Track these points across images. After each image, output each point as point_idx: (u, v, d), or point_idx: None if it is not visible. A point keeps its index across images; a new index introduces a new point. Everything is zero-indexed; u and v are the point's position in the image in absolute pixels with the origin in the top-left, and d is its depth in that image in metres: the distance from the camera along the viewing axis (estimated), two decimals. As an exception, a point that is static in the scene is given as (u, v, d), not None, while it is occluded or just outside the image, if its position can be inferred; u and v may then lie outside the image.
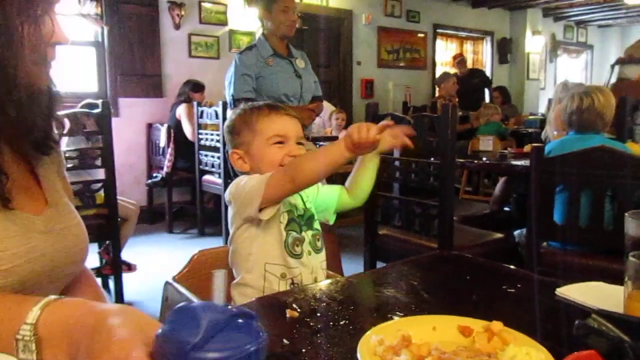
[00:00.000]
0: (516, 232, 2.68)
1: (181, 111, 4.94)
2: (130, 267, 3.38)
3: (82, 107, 2.98)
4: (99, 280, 1.17)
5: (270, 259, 1.28)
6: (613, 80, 4.40)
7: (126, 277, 3.18)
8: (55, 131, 0.95)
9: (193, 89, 5.11)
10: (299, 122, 1.38)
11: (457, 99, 6.58)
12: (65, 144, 2.90)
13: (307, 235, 1.32)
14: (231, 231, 1.32)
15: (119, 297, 3.00)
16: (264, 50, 2.95)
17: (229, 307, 0.54)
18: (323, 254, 1.37)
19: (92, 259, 3.28)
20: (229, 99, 2.99)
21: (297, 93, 2.98)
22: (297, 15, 3.02)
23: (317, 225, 1.37)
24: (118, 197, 3.01)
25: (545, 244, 2.35)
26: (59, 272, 0.89)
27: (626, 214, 0.86)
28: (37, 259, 0.84)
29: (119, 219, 3.08)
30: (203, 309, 0.52)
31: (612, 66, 4.46)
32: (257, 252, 1.28)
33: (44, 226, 0.87)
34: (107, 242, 3.24)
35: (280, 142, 1.31)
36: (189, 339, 0.50)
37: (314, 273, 1.31)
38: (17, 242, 0.81)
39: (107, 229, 2.93)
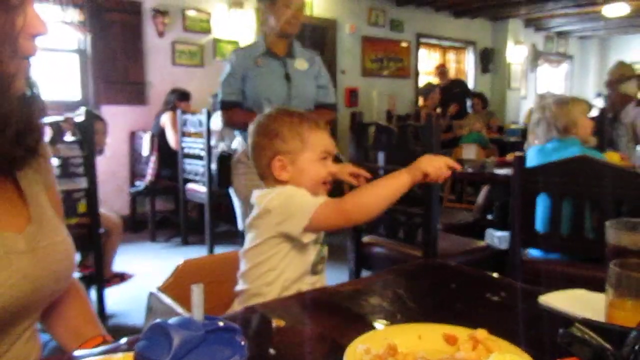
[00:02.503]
0: (497, 235, 2.71)
1: (165, 119, 4.92)
2: (123, 277, 3.35)
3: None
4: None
5: (290, 274, 1.25)
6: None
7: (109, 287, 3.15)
8: (44, 137, 0.90)
9: (179, 98, 5.09)
10: None
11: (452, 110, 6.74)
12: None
13: (324, 251, 1.32)
14: (252, 240, 1.27)
15: (101, 308, 2.96)
16: (256, 49, 2.68)
17: (209, 321, 0.54)
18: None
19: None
20: (218, 101, 2.84)
21: (283, 98, 2.62)
22: (301, 14, 2.69)
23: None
24: (100, 208, 2.98)
25: (527, 252, 2.38)
26: (42, 292, 0.85)
27: (607, 223, 0.87)
28: (19, 282, 0.80)
29: (101, 230, 3.05)
30: (177, 326, 0.52)
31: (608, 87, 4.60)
32: (282, 268, 1.25)
33: (26, 245, 0.82)
34: (86, 257, 3.22)
35: (324, 158, 1.30)
36: (160, 358, 0.50)
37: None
38: None
39: (89, 238, 2.89)
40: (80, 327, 1.01)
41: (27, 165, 0.86)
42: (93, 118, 2.90)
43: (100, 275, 2.98)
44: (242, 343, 0.53)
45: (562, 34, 11.11)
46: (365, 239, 2.69)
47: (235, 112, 2.66)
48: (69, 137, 2.84)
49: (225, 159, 3.11)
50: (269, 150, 1.30)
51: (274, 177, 1.30)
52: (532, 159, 2.47)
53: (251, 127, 1.36)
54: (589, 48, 11.94)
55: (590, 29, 10.57)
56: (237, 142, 2.77)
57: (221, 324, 0.53)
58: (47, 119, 2.73)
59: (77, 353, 0.86)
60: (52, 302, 0.94)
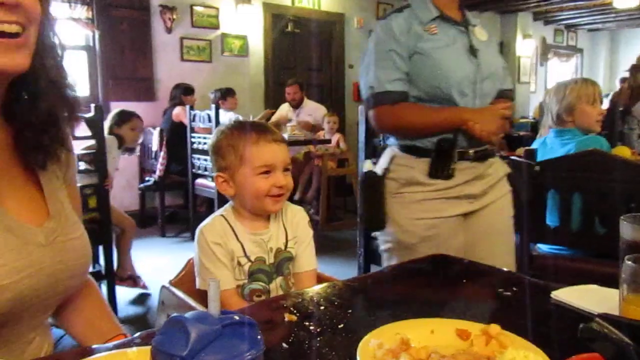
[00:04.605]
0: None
1: (179, 112, 4.94)
2: (136, 282, 3.35)
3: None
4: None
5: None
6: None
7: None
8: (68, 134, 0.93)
9: (184, 93, 5.12)
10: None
11: None
12: None
13: (276, 282, 1.30)
14: None
15: (112, 302, 2.98)
16: (422, 11, 1.71)
17: (225, 315, 0.54)
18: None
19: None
20: (365, 93, 1.76)
21: (471, 80, 1.70)
22: None
23: (289, 265, 1.33)
24: (114, 205, 3.01)
25: (537, 246, 2.37)
26: (57, 287, 0.87)
27: (621, 218, 0.86)
28: (36, 273, 0.81)
29: (115, 228, 3.07)
30: (194, 320, 0.52)
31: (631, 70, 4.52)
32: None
33: (44, 239, 0.84)
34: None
35: (266, 172, 1.25)
36: (178, 352, 0.50)
37: None
38: (16, 256, 0.78)
39: (100, 233, 2.91)
40: (99, 324, 1.02)
41: (50, 158, 0.88)
42: (101, 113, 2.90)
43: (111, 270, 3.00)
44: (259, 337, 0.54)
45: (571, 27, 11.01)
46: (375, 233, 2.68)
47: (410, 108, 1.70)
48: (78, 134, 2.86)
49: (375, 183, 1.80)
50: (214, 167, 1.33)
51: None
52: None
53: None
54: (599, 41, 11.83)
55: (599, 21, 10.47)
56: (389, 156, 1.77)
57: (237, 318, 0.54)
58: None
59: (92, 347, 0.87)
60: (67, 298, 0.95)
